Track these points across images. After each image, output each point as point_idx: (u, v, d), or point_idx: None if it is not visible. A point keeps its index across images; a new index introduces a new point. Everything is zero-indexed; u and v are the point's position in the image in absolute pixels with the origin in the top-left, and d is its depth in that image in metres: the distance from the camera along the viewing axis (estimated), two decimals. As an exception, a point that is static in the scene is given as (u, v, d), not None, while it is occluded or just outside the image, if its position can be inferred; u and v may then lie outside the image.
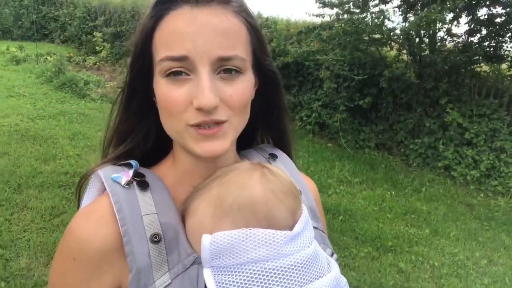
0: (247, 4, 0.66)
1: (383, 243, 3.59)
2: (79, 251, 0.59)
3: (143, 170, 0.67)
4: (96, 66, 10.17)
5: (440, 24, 5.42)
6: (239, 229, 0.54)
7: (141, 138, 0.70)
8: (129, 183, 0.62)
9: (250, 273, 0.52)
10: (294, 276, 0.52)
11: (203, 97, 0.56)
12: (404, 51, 6.14)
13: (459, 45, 6.04)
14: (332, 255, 0.67)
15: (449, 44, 6.20)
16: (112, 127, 0.71)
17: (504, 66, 6.04)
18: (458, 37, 6.08)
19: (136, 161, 0.68)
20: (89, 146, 4.94)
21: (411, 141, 5.92)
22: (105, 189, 0.63)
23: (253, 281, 0.51)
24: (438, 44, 6.13)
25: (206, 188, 0.60)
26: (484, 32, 5.92)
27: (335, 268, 0.61)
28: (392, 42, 5.95)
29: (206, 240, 0.53)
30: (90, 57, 10.66)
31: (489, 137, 5.39)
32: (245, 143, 0.80)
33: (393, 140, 6.12)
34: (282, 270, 0.52)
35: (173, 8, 0.60)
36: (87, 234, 0.60)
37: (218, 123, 0.59)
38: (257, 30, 0.65)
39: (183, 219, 0.62)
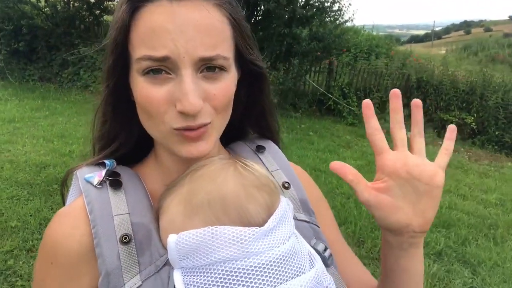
0: None
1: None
2: (55, 255, 0.58)
3: (120, 169, 0.66)
4: None
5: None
6: (205, 227, 0.51)
7: (126, 137, 0.68)
8: (101, 183, 0.61)
9: (219, 274, 0.50)
10: (266, 275, 0.50)
11: (188, 102, 0.53)
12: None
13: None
14: (325, 250, 0.64)
15: None
16: (100, 131, 0.68)
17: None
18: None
19: (112, 160, 0.66)
20: None
21: (64, 71, 8.61)
22: None
23: (222, 281, 0.49)
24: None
25: (178, 184, 0.58)
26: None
27: (318, 266, 0.57)
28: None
29: (172, 240, 0.51)
30: None
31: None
32: (235, 135, 0.79)
33: (51, 72, 8.66)
34: (253, 270, 0.50)
35: (150, 0, 0.56)
36: (62, 237, 0.58)
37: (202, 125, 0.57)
38: (240, 23, 0.62)
39: (157, 218, 0.59)
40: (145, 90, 0.56)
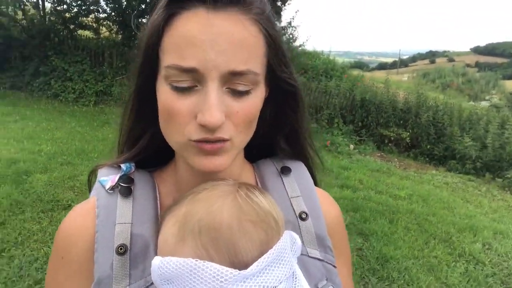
0: (269, 9, 0.60)
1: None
2: (65, 250, 0.60)
3: (138, 174, 0.66)
4: None
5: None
6: (188, 258, 0.49)
7: (149, 140, 0.67)
8: (113, 188, 0.62)
9: None
10: None
11: (209, 115, 0.52)
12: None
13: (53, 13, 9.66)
14: None
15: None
16: (125, 133, 0.69)
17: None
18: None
19: (130, 164, 0.66)
20: None
21: (35, 81, 9.14)
22: None
23: None
24: (48, 11, 9.48)
25: (179, 203, 0.57)
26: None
27: None
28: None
29: (155, 263, 0.50)
30: None
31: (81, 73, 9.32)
32: (268, 150, 0.76)
33: (23, 81, 9.18)
34: None
35: (187, 8, 0.54)
36: (73, 235, 0.60)
37: (220, 140, 0.55)
38: (275, 40, 0.60)
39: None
40: (169, 100, 0.55)
